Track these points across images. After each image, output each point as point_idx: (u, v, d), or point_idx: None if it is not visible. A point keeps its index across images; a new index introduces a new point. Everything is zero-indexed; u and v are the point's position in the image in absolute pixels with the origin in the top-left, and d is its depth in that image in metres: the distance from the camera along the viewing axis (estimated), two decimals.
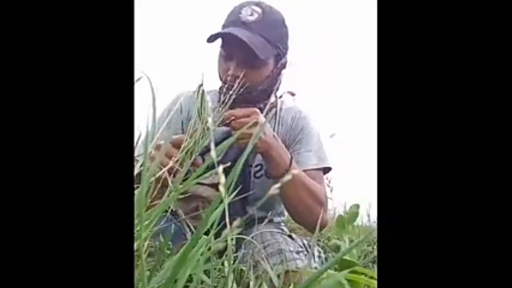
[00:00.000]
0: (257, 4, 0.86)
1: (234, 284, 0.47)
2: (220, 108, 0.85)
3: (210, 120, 0.32)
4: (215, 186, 0.93)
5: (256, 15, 0.84)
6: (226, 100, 0.81)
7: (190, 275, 0.37)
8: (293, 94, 1.02)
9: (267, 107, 0.97)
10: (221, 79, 0.91)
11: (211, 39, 0.84)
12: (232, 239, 0.51)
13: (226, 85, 0.82)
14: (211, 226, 0.37)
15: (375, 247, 1.28)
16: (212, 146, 0.26)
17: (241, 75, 0.82)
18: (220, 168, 0.22)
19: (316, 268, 0.78)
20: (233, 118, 0.76)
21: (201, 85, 0.66)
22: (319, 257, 0.86)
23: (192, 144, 0.56)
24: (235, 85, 0.81)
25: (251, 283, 0.49)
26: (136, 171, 0.40)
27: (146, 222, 0.37)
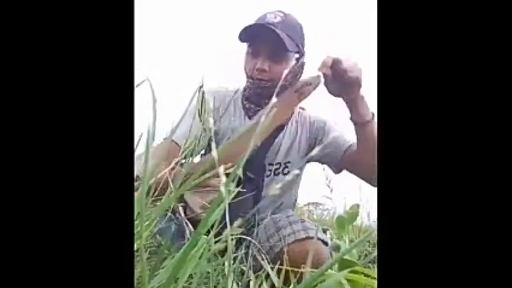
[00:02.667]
0: (279, 11, 1.02)
1: (234, 284, 0.47)
2: (247, 103, 1.03)
3: (211, 120, 0.32)
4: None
5: (279, 18, 0.98)
6: (251, 96, 1.00)
7: (190, 275, 0.37)
8: (303, 109, 1.15)
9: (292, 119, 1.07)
10: (247, 75, 1.03)
11: (243, 33, 0.97)
12: (232, 239, 0.51)
13: (252, 80, 0.99)
14: (212, 226, 0.37)
15: (375, 247, 1.28)
16: (213, 146, 0.26)
17: (267, 68, 0.97)
18: (221, 168, 0.22)
19: (320, 239, 0.82)
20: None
21: (201, 86, 0.66)
22: (325, 231, 0.91)
23: (193, 145, 0.56)
24: (261, 77, 0.97)
25: (251, 283, 0.49)
26: (136, 171, 0.40)
27: (147, 223, 0.37)
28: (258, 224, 0.95)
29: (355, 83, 0.82)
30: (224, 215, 0.33)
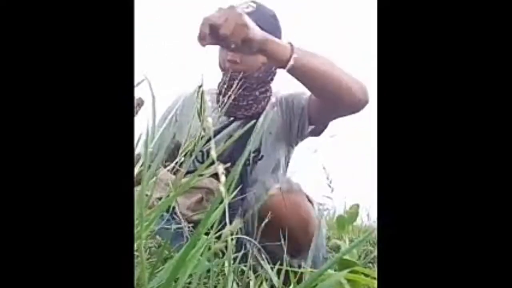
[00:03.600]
0: (252, 1, 0.98)
1: (234, 284, 0.47)
2: (221, 97, 0.96)
3: (210, 120, 0.32)
4: (215, 176, 0.97)
5: (251, 8, 0.95)
6: (226, 89, 0.94)
7: (190, 275, 0.37)
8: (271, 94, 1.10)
9: (268, 107, 1.03)
10: (221, 68, 1.00)
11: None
12: (232, 239, 0.51)
13: (225, 74, 0.94)
14: (211, 226, 0.37)
15: (375, 247, 1.28)
16: (213, 146, 0.26)
17: (239, 60, 0.94)
18: (221, 168, 0.22)
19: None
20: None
21: (200, 86, 0.66)
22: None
23: (192, 145, 0.56)
24: (234, 69, 0.93)
25: (251, 283, 0.49)
26: (136, 171, 0.40)
27: (147, 223, 0.37)
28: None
29: (240, 36, 0.71)
30: (222, 214, 0.33)
